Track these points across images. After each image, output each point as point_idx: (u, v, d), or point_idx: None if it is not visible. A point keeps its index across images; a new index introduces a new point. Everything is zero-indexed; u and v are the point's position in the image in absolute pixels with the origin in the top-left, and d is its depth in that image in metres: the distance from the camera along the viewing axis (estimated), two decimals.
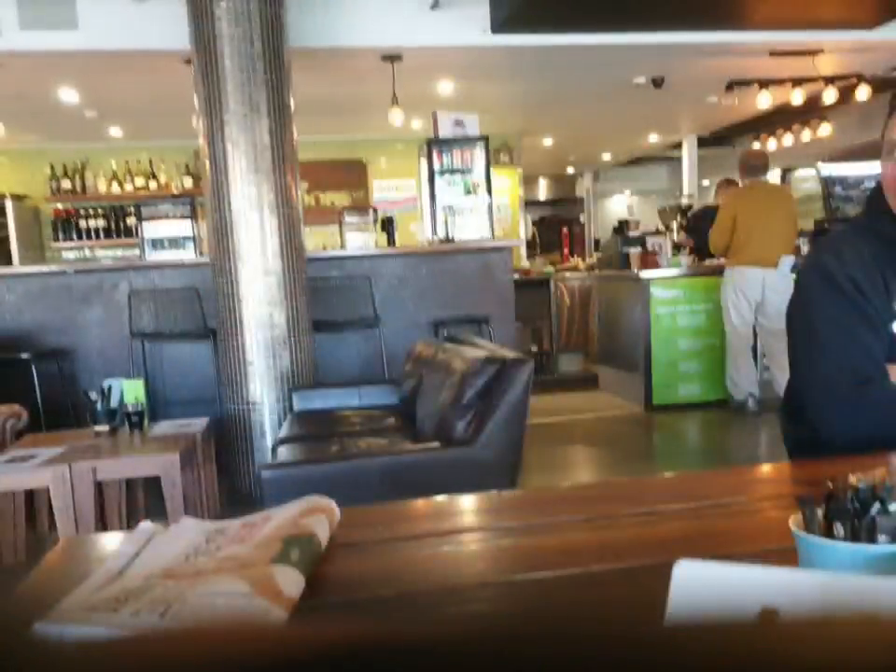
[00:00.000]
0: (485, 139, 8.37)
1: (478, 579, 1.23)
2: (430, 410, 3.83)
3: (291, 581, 1.11)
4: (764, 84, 9.01)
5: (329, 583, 1.21)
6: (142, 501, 4.55)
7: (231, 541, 1.30)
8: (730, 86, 9.19)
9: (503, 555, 1.35)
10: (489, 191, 8.53)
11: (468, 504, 1.66)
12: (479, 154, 8.46)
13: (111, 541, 1.46)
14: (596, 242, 14.50)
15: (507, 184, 11.73)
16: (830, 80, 8.61)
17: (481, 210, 8.45)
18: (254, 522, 1.36)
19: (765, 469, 2.57)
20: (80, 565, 1.36)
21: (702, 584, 0.97)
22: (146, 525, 1.36)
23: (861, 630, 0.44)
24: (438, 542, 1.37)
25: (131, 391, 4.40)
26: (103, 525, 4.15)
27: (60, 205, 10.86)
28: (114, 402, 4.35)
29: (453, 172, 8.40)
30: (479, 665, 0.38)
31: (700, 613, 0.92)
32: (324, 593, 1.16)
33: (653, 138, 13.16)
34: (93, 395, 4.38)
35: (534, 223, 15.76)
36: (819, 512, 1.03)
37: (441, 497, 1.66)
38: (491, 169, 8.68)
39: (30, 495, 4.31)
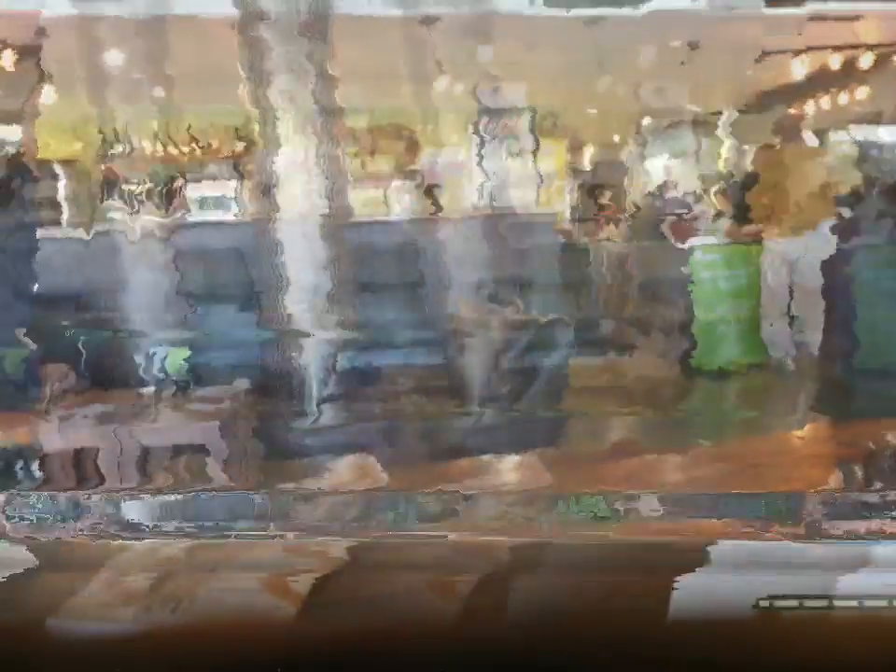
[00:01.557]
0: (532, 107, 8.35)
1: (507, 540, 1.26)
2: (474, 371, 3.86)
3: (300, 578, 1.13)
4: (801, 51, 8.91)
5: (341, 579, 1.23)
6: (186, 464, 4.60)
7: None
8: (767, 53, 9.09)
9: (538, 515, 1.38)
10: (535, 158, 8.51)
11: (511, 464, 1.70)
12: (524, 122, 8.44)
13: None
14: (636, 206, 14.41)
15: (552, 150, 11.67)
16: (871, 47, 8.50)
17: (527, 177, 8.42)
18: None
19: (806, 429, 2.60)
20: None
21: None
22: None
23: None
24: (479, 502, 1.40)
25: (176, 356, 4.46)
26: (148, 486, 4.20)
27: (107, 168, 10.92)
28: (158, 366, 4.41)
29: (499, 139, 8.39)
30: None
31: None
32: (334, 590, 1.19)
33: (693, 105, 13.05)
34: (139, 359, 4.45)
35: (579, 188, 15.70)
36: (859, 471, 1.05)
37: (485, 457, 1.70)
38: (537, 137, 8.66)
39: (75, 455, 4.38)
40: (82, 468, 4.46)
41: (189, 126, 10.62)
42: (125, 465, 4.22)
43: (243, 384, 4.76)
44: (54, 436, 4.46)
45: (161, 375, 4.49)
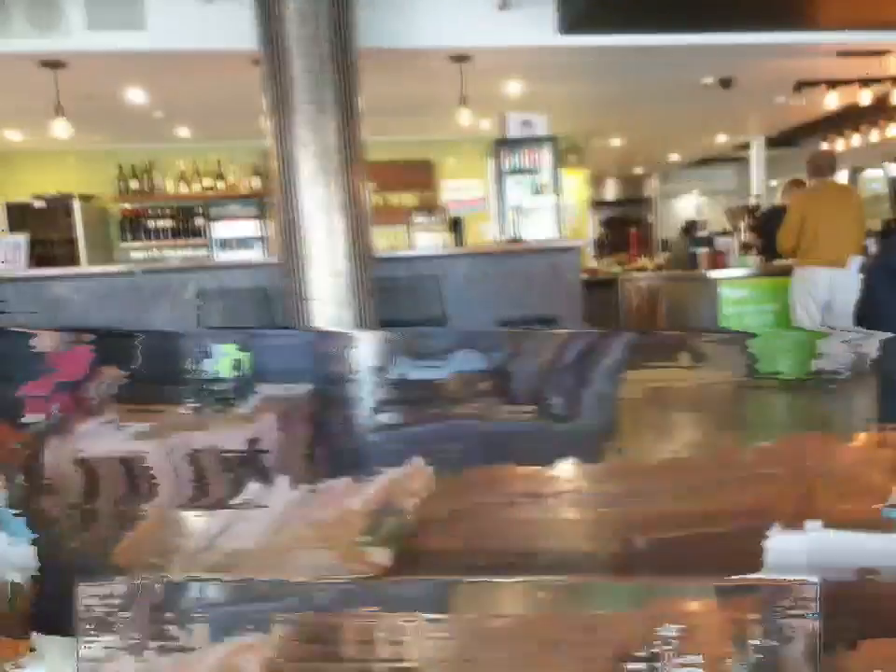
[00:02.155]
0: (554, 139, 8.32)
1: (570, 545, 1.21)
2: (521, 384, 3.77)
3: (379, 554, 1.12)
4: (832, 85, 8.89)
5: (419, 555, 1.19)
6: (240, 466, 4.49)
7: (317, 507, 1.29)
8: (798, 86, 9.08)
9: (595, 522, 1.33)
10: (557, 192, 8.48)
11: (561, 471, 1.64)
12: (547, 154, 8.42)
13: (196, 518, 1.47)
14: (664, 242, 14.39)
15: (575, 184, 11.66)
16: None
17: (549, 210, 8.40)
18: (337, 489, 1.35)
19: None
20: (171, 536, 1.36)
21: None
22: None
23: None
24: (531, 507, 1.36)
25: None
26: (202, 491, 4.11)
27: (128, 206, 10.95)
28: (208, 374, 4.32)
29: (521, 172, 8.36)
30: None
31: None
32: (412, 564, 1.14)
33: (721, 139, 13.05)
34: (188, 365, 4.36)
35: (601, 223, 15.70)
36: None
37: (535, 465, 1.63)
38: (559, 169, 8.63)
39: (125, 461, 4.28)
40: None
41: (207, 161, 10.63)
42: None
43: None
44: None
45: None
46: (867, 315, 2.10)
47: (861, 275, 6.75)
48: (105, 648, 1.48)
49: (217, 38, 6.24)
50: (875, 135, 10.82)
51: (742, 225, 10.03)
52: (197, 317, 6.11)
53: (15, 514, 1.80)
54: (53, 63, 6.87)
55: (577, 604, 1.48)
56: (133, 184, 10.87)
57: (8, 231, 9.95)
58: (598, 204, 15.08)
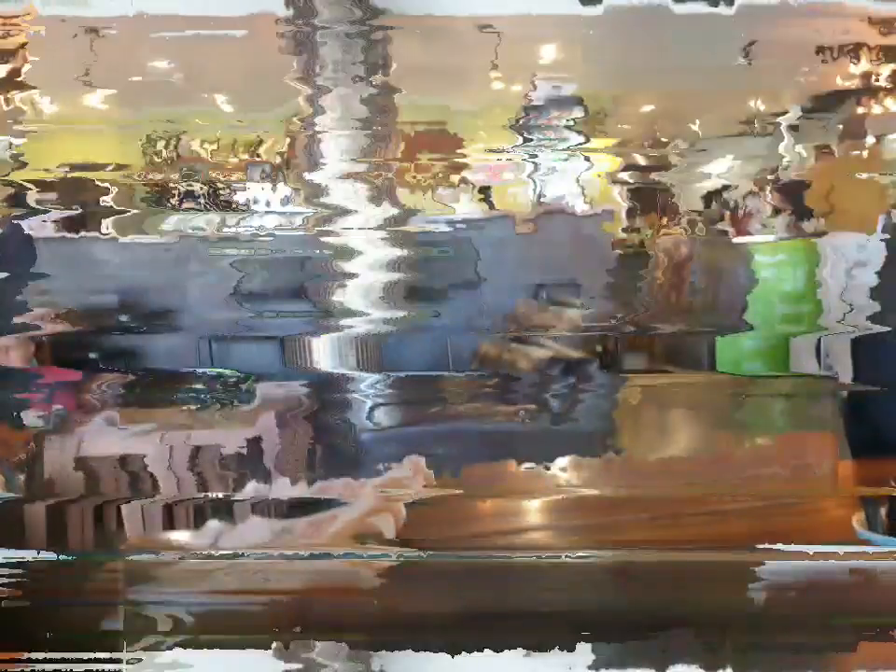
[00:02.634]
0: (583, 104, 8.32)
1: (564, 547, 1.24)
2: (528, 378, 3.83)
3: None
4: (859, 49, 8.85)
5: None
6: (240, 462, 4.59)
7: (300, 539, 1.33)
8: (828, 52, 9.04)
9: (590, 520, 1.36)
10: (587, 157, 8.47)
11: (558, 471, 1.68)
12: (576, 119, 8.41)
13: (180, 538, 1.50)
14: (694, 209, 14.36)
15: (603, 150, 11.64)
16: None
17: (578, 175, 8.39)
18: (321, 520, 1.39)
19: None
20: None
21: None
22: (213, 525, 1.39)
23: None
24: (530, 507, 1.39)
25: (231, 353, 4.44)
26: (203, 486, 4.19)
27: (159, 175, 11.00)
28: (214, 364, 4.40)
29: (550, 138, 8.36)
30: None
31: None
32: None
33: (752, 106, 12.98)
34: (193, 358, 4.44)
35: (631, 189, 15.69)
36: (883, 512, 1.03)
37: (531, 462, 1.67)
38: (588, 135, 8.62)
39: (128, 458, 4.36)
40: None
41: (238, 130, 10.68)
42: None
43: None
44: None
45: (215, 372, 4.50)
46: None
47: (887, 236, 6.78)
48: None
49: (248, 3, 6.28)
50: None
51: (772, 191, 10.00)
52: (235, 287, 6.16)
53: None
54: (91, 29, 6.92)
55: None
56: (164, 153, 10.92)
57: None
58: (628, 168, 15.08)
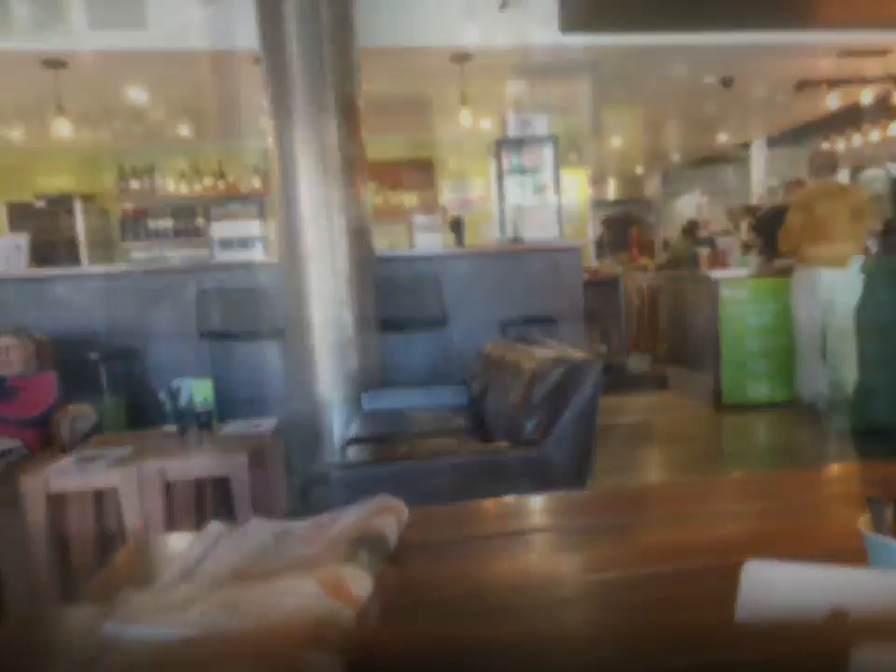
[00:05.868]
0: (554, 139, 8.32)
1: (546, 579, 1.20)
2: (499, 410, 3.79)
3: (360, 582, 1.11)
4: (834, 84, 8.92)
5: (398, 584, 1.19)
6: (210, 501, 4.53)
7: (300, 542, 1.29)
8: (799, 86, 9.11)
9: (572, 556, 1.33)
10: (558, 191, 8.48)
11: (537, 505, 1.64)
12: (548, 154, 8.41)
13: (179, 542, 1.45)
14: (665, 242, 14.45)
15: (576, 184, 11.68)
16: None
17: (549, 210, 8.39)
18: (322, 523, 1.35)
19: (834, 469, 2.49)
20: (149, 565, 1.35)
21: (771, 585, 0.97)
22: (214, 526, 1.35)
23: None
24: (507, 543, 1.35)
25: (199, 391, 4.39)
26: (171, 525, 4.13)
27: (128, 205, 10.97)
28: (183, 402, 4.34)
29: (522, 172, 8.35)
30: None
31: (769, 613, 0.91)
32: (392, 594, 1.14)
33: (723, 138, 13.07)
34: (162, 395, 4.39)
35: (602, 223, 15.72)
36: (889, 513, 1.02)
37: (510, 498, 1.64)
38: (560, 169, 8.62)
39: (99, 495, 4.30)
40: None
41: (208, 161, 10.65)
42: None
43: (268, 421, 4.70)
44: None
45: (184, 409, 4.43)
46: (868, 315, 2.10)
47: (863, 275, 6.79)
48: None
49: (218, 37, 6.27)
50: (875, 135, 10.86)
51: (743, 225, 10.06)
52: (196, 318, 6.11)
53: None
54: (55, 63, 6.90)
55: None
56: (134, 184, 10.90)
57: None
58: (599, 204, 15.11)
